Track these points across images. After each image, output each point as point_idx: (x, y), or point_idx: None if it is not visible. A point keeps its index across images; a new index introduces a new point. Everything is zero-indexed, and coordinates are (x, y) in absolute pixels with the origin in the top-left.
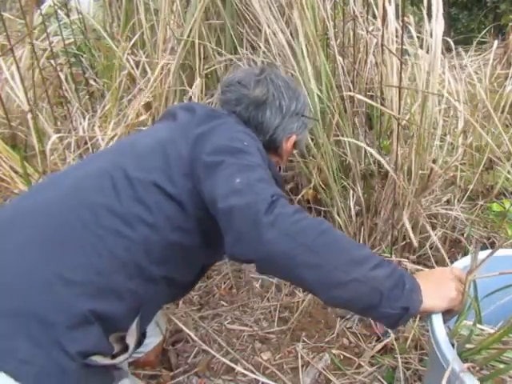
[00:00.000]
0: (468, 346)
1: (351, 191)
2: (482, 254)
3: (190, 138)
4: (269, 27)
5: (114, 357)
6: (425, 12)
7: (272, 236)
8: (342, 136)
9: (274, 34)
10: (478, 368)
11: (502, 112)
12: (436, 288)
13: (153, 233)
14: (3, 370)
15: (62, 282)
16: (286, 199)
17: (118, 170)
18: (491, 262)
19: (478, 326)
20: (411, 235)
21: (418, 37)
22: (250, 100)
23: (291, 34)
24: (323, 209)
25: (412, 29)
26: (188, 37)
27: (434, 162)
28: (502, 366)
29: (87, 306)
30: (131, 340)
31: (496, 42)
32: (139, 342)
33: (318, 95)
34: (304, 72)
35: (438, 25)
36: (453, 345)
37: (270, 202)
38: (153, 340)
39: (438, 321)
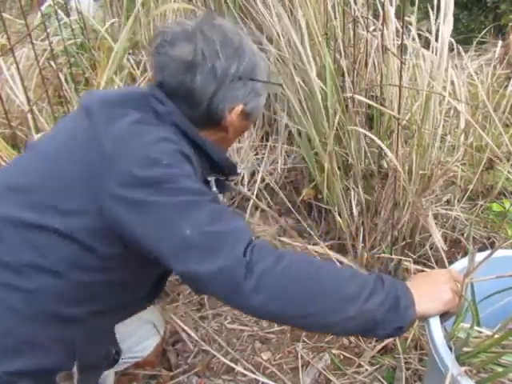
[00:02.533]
0: (466, 349)
1: (352, 191)
2: (481, 255)
3: (89, 158)
4: (273, 26)
5: None
6: (433, 13)
7: (259, 302)
8: (344, 135)
9: (278, 34)
10: (475, 371)
11: (504, 112)
12: (431, 290)
13: (55, 279)
14: None
15: None
16: (254, 239)
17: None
18: (491, 263)
19: (476, 328)
20: (437, 236)
21: (419, 36)
22: (176, 63)
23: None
24: (324, 206)
25: (413, 29)
26: None
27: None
28: (500, 369)
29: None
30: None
31: (500, 42)
32: (115, 359)
33: (321, 93)
34: (310, 71)
35: (445, 25)
36: (451, 348)
37: (246, 262)
38: (150, 343)
39: (435, 324)
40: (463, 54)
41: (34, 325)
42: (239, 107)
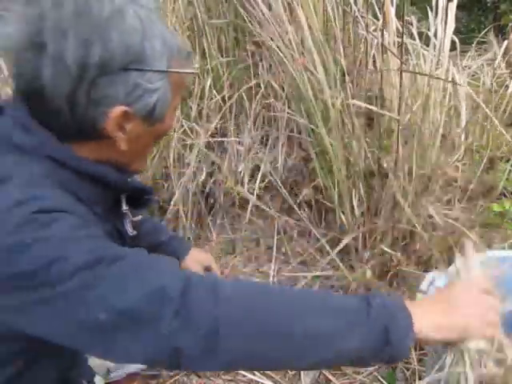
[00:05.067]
0: None
1: (353, 191)
2: (478, 256)
3: None
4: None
5: None
6: (433, 13)
7: (213, 363)
8: (345, 134)
9: (279, 34)
10: None
11: (504, 112)
12: (445, 314)
13: None
14: None
15: None
16: (184, 286)
17: None
18: (490, 264)
19: None
20: None
21: (419, 36)
22: (16, 48)
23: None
24: (330, 205)
25: (413, 29)
26: (189, 36)
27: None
28: None
29: None
30: None
31: (506, 42)
32: None
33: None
34: (314, 70)
35: (448, 24)
36: None
37: (180, 326)
38: None
39: None
40: (464, 53)
41: None
42: (116, 111)
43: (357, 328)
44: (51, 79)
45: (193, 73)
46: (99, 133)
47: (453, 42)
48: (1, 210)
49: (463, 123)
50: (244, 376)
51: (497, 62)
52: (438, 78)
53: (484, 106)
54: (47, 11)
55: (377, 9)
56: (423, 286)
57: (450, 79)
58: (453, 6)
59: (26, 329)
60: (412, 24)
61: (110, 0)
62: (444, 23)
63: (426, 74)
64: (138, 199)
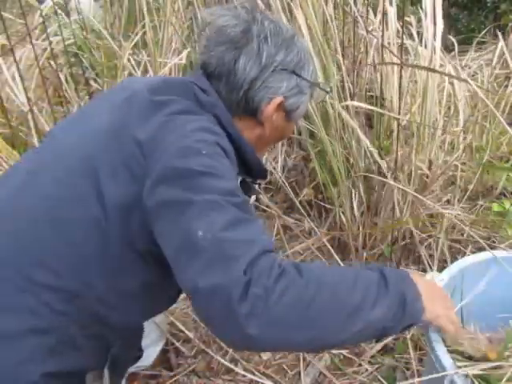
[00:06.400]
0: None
1: (353, 191)
2: (480, 256)
3: (127, 148)
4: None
5: None
6: (426, 11)
7: (255, 331)
8: (345, 135)
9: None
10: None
11: (503, 112)
12: (438, 296)
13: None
14: None
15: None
16: (264, 253)
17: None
18: (491, 264)
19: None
20: None
21: (418, 36)
22: (223, 40)
23: None
24: (329, 206)
25: (413, 28)
26: (188, 36)
27: (431, 163)
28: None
29: (39, 371)
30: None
31: (503, 42)
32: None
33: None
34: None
35: (436, 22)
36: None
37: (244, 283)
38: (155, 349)
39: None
40: (464, 53)
41: (76, 325)
42: (278, 99)
43: (381, 299)
44: (245, 65)
45: (329, 91)
46: (257, 114)
47: (452, 42)
48: (190, 127)
49: (462, 122)
50: (244, 376)
51: (494, 61)
52: (435, 71)
53: (486, 101)
54: (255, 20)
55: (377, 9)
56: None
57: (448, 76)
58: (440, 5)
59: (154, 228)
60: (412, 24)
61: (289, 27)
62: (433, 23)
63: (424, 68)
64: (248, 185)
